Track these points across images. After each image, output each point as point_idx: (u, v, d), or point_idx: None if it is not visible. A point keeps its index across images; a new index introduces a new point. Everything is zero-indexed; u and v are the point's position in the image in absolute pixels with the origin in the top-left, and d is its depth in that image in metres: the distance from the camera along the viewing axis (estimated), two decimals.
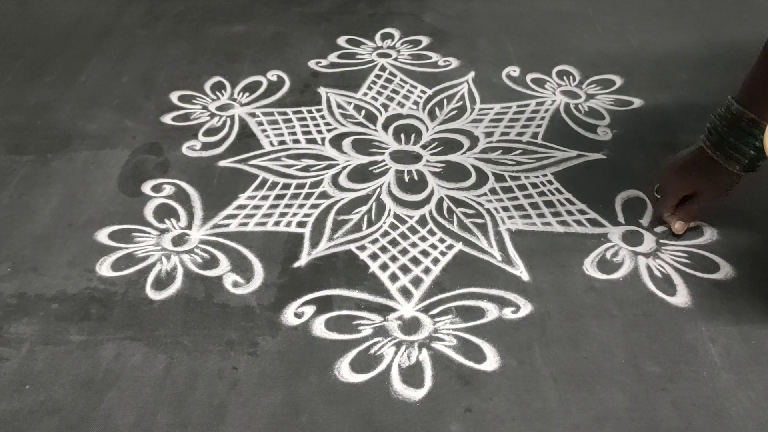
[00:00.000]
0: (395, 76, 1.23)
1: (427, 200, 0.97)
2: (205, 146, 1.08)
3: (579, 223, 0.94)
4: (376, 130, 1.11)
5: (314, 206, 0.96)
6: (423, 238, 0.92)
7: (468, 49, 1.30)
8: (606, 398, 0.73)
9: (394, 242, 0.91)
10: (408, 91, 1.20)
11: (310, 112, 1.15)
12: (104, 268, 0.88)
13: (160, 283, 0.86)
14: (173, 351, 0.78)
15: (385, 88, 1.20)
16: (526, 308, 0.82)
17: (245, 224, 0.94)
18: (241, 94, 1.19)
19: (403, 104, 1.17)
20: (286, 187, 1.00)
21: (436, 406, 0.73)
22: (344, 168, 1.03)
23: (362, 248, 0.90)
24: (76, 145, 1.08)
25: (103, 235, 0.93)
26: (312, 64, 1.26)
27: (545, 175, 1.01)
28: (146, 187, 1.00)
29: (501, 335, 0.79)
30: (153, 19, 1.41)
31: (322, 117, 1.14)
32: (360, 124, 1.12)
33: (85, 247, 0.91)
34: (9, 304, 0.84)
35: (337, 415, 0.72)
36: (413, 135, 1.10)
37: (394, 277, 0.86)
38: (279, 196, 0.98)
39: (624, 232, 0.92)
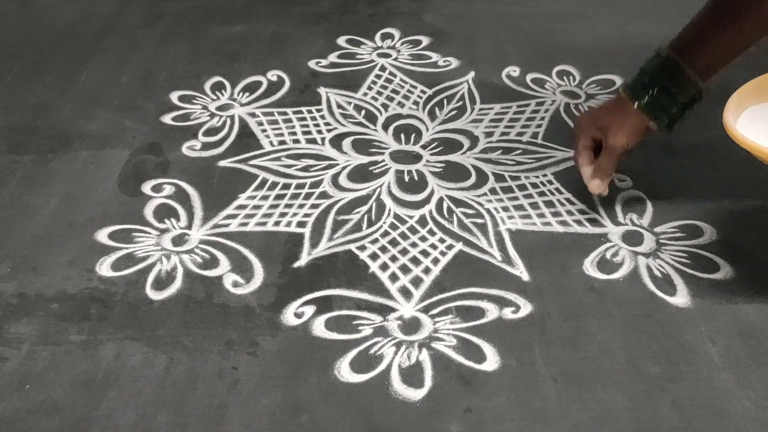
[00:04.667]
0: (395, 76, 1.23)
1: (427, 200, 0.97)
2: (205, 146, 1.08)
3: (579, 223, 0.94)
4: (376, 130, 1.11)
5: (314, 206, 0.96)
6: (423, 238, 0.92)
7: (468, 49, 1.30)
8: (606, 398, 0.73)
9: (394, 242, 0.91)
10: (408, 91, 1.20)
11: (310, 112, 1.15)
12: (104, 268, 0.88)
13: (160, 283, 0.86)
14: (173, 351, 0.78)
15: (385, 88, 1.20)
16: (526, 308, 0.82)
17: (245, 224, 0.94)
18: (241, 94, 1.19)
19: (403, 104, 1.17)
20: (286, 187, 1.00)
21: (436, 406, 0.73)
22: (344, 168, 1.03)
23: (362, 248, 0.90)
24: (76, 145, 1.08)
25: (103, 235, 0.93)
26: (312, 64, 1.27)
27: (545, 175, 1.01)
28: (146, 187, 1.00)
29: (501, 335, 0.79)
30: (153, 19, 1.41)
31: (322, 117, 1.14)
32: (360, 124, 1.12)
33: (85, 247, 0.91)
34: (9, 304, 0.84)
35: (337, 415, 0.72)
36: (413, 135, 1.10)
37: (394, 277, 0.86)
38: (279, 196, 0.98)
39: (624, 232, 0.92)
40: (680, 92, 0.82)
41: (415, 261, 0.88)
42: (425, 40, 1.33)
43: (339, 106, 1.16)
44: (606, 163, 0.86)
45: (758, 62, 0.85)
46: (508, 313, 0.82)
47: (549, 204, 0.97)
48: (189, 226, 0.94)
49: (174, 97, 1.19)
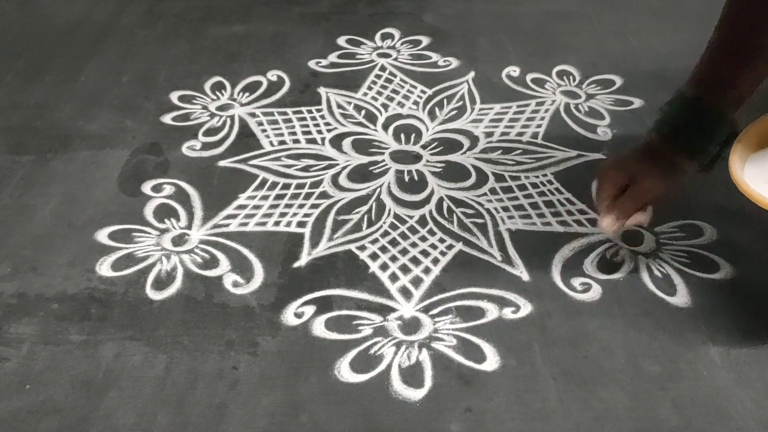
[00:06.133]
0: (395, 76, 1.23)
1: (427, 200, 0.97)
2: (205, 146, 1.08)
3: (579, 223, 0.94)
4: (376, 130, 1.11)
5: (314, 206, 0.96)
6: (423, 238, 0.92)
7: (468, 49, 1.30)
8: (606, 398, 0.73)
9: (394, 242, 0.91)
10: (408, 91, 1.20)
11: (310, 112, 1.15)
12: (104, 268, 0.88)
13: (160, 283, 0.86)
14: (173, 351, 0.78)
15: (385, 88, 1.20)
16: (526, 308, 0.82)
17: (245, 224, 0.94)
18: (241, 94, 1.19)
19: (403, 104, 1.17)
20: (286, 187, 1.00)
21: (436, 406, 0.73)
22: (344, 168, 1.03)
23: (362, 248, 0.90)
24: (76, 145, 1.08)
25: (103, 235, 0.93)
26: (312, 64, 1.27)
27: (545, 175, 1.01)
28: (146, 187, 1.00)
29: (501, 335, 0.79)
30: (153, 19, 1.41)
31: (322, 117, 1.14)
32: (360, 124, 1.12)
33: (85, 247, 0.91)
34: (9, 304, 0.84)
35: (337, 415, 0.72)
36: (413, 135, 1.10)
37: (394, 277, 0.86)
38: (279, 196, 0.98)
39: (624, 232, 0.92)
40: (719, 131, 0.76)
41: (415, 261, 0.88)
42: (425, 40, 1.33)
43: (339, 106, 1.16)
44: (628, 204, 0.78)
45: (754, 102, 0.84)
46: (508, 313, 0.82)
47: (549, 204, 0.97)
48: (189, 226, 0.94)
49: (174, 97, 1.19)
